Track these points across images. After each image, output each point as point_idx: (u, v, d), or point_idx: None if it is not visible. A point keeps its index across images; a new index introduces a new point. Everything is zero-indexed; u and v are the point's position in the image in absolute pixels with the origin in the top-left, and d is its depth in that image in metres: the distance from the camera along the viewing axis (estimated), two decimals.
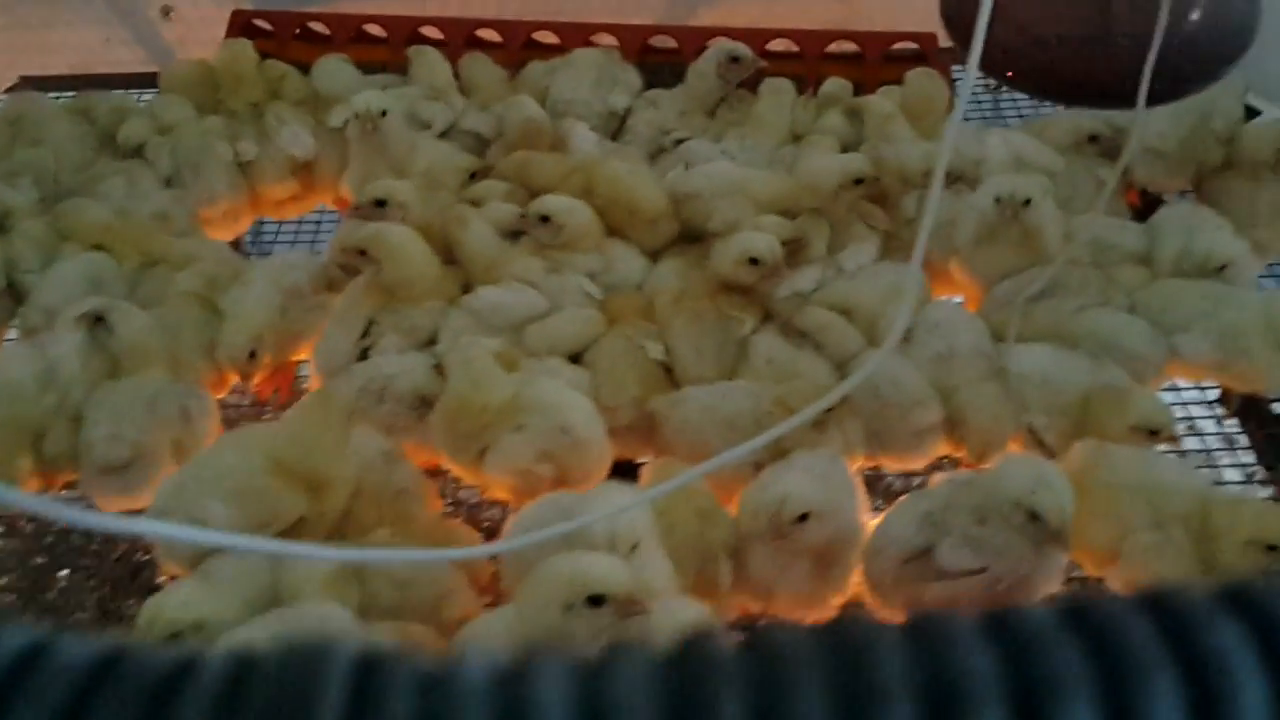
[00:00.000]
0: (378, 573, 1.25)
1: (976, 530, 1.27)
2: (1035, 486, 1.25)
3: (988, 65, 1.33)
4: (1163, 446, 1.49)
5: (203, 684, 0.29)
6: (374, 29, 2.29)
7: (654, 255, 1.83)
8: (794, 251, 1.70)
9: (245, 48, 2.16)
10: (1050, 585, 1.30)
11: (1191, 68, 1.23)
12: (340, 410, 1.44)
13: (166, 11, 2.53)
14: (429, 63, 2.16)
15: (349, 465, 1.39)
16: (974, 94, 2.41)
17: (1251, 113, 1.98)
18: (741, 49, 2.05)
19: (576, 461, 1.47)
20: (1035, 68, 1.27)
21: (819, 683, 0.29)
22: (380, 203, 1.77)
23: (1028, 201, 1.68)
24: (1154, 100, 1.20)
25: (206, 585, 1.26)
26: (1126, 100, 1.20)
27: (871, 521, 1.39)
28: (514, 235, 1.80)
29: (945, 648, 0.29)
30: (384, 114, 1.93)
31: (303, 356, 1.74)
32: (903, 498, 1.41)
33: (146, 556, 1.73)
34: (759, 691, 0.29)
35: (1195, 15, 1.19)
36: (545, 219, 1.73)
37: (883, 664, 0.29)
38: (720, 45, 2.08)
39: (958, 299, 1.82)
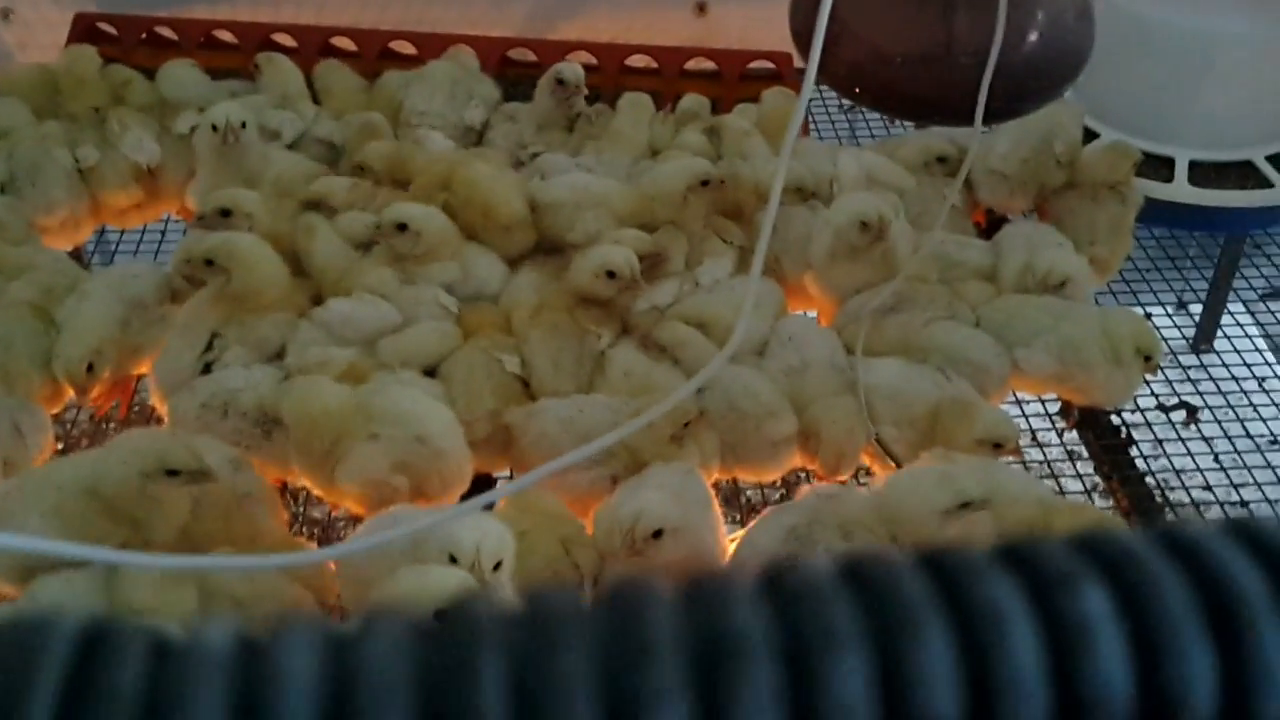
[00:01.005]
0: (218, 589, 1.21)
1: (841, 545, 1.28)
2: None
3: (835, 83, 1.36)
4: (1007, 458, 1.53)
5: None
6: (224, 35, 2.23)
7: (512, 263, 1.81)
8: (652, 266, 1.70)
9: (88, 52, 2.09)
10: None
11: (1029, 87, 1.27)
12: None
13: (5, 14, 2.42)
14: (280, 70, 2.11)
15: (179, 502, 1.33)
16: (829, 113, 2.46)
17: (1091, 136, 2.06)
18: (568, 71, 2.04)
19: (434, 472, 1.44)
20: (880, 85, 1.30)
21: (584, 642, 0.28)
22: (225, 212, 1.72)
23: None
24: (994, 118, 1.24)
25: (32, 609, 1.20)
26: (968, 118, 1.23)
27: (728, 537, 1.40)
28: (366, 247, 1.77)
29: (718, 605, 0.29)
30: (243, 126, 1.88)
31: (144, 370, 1.68)
32: (767, 511, 1.42)
33: None
34: (520, 653, 0.28)
35: (1033, 36, 1.22)
36: (402, 227, 1.69)
37: (653, 622, 0.28)
38: (551, 69, 2.07)
39: (812, 313, 1.85)
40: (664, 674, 0.27)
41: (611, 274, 1.64)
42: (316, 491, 1.49)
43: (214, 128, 1.88)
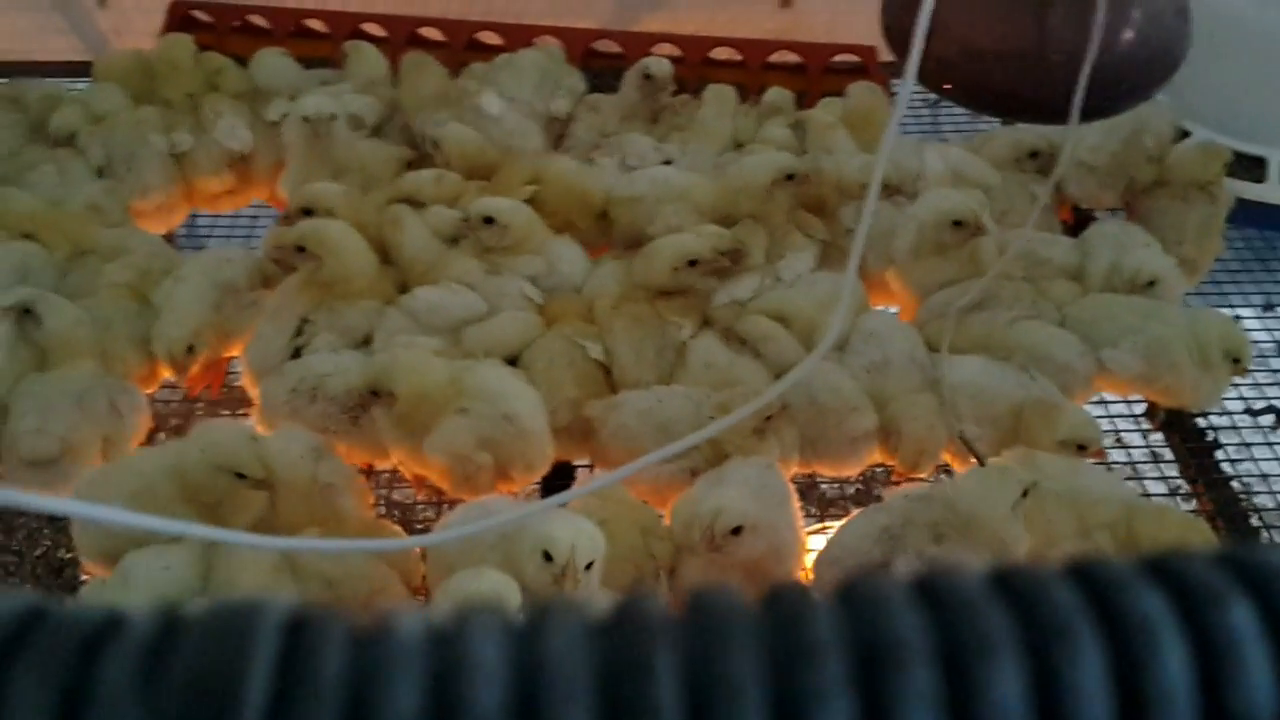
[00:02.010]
0: (307, 570, 1.24)
1: (934, 549, 1.28)
2: None
3: (925, 78, 1.35)
4: (1090, 457, 1.51)
5: (129, 641, 0.28)
6: (315, 23, 2.26)
7: (594, 255, 1.83)
8: (732, 260, 1.71)
9: (183, 40, 2.14)
10: None
11: (1123, 85, 1.25)
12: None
13: (103, 0, 2.48)
14: (365, 59, 2.14)
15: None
16: (913, 107, 2.44)
17: (1182, 134, 2.03)
18: (656, 67, 2.05)
19: (519, 451, 1.46)
20: (971, 81, 1.29)
21: (752, 641, 0.29)
22: (307, 211, 1.75)
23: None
24: (1086, 116, 1.23)
25: (123, 587, 1.24)
26: (1059, 116, 1.22)
27: (805, 534, 1.40)
28: (453, 239, 1.79)
29: (876, 610, 0.30)
30: (333, 118, 1.91)
31: (235, 353, 1.72)
32: (856, 511, 1.42)
33: (69, 555, 1.70)
34: (693, 650, 0.29)
35: (1129, 34, 1.21)
36: (489, 220, 1.72)
37: (815, 624, 0.29)
38: (639, 63, 2.08)
39: (893, 309, 1.84)
40: (828, 674, 0.28)
41: (693, 262, 1.65)
42: (402, 469, 1.52)
43: (305, 119, 1.92)
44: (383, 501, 1.62)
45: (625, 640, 0.29)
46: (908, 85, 1.01)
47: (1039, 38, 1.22)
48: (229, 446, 1.34)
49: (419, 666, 0.28)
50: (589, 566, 1.17)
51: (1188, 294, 1.91)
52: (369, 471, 1.64)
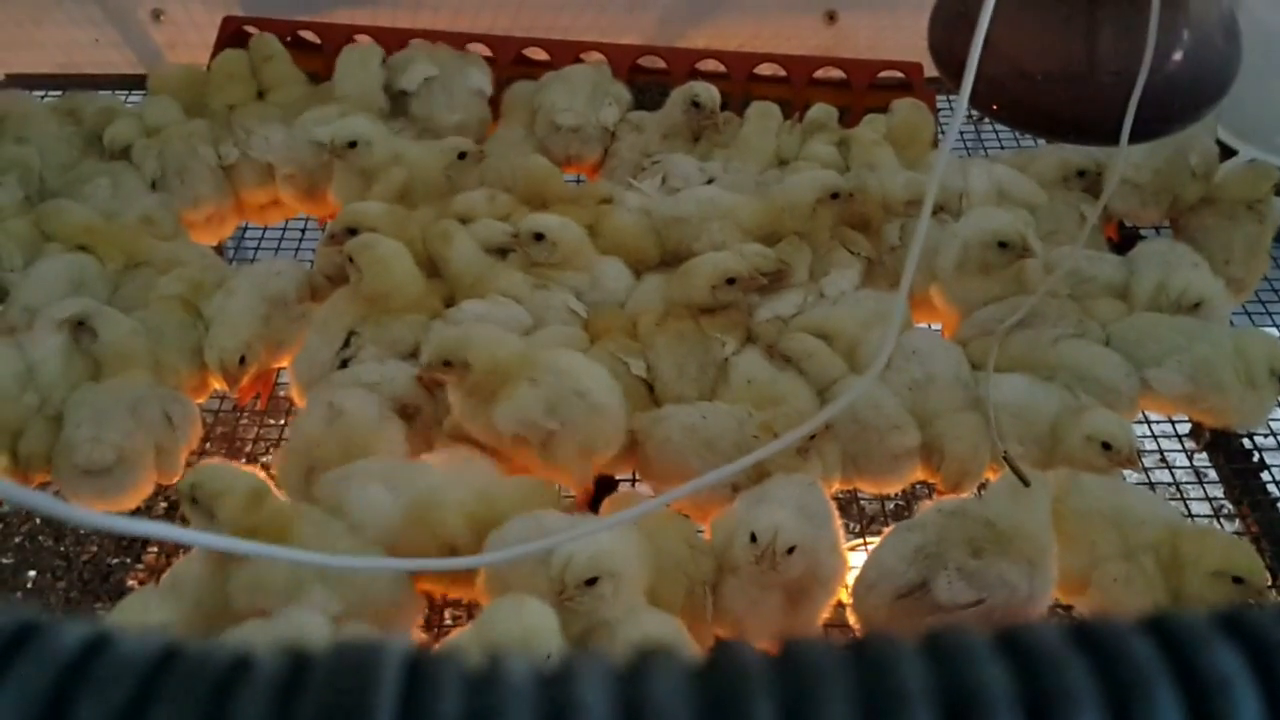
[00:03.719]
0: (331, 580, 1.25)
1: (973, 563, 1.28)
2: None
3: (974, 98, 1.35)
4: (1133, 477, 1.51)
5: (260, 680, 0.30)
6: (364, 39, 2.29)
7: (639, 272, 1.84)
8: (775, 279, 1.71)
9: (236, 55, 2.18)
10: (1039, 611, 1.31)
11: (1173, 107, 1.25)
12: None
13: (156, 15, 2.52)
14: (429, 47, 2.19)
15: None
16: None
17: (1226, 150, 2.01)
18: (705, 95, 2.06)
19: (592, 427, 1.48)
20: (1020, 101, 1.29)
21: (844, 690, 0.30)
22: (351, 231, 1.77)
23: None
24: (1136, 138, 1.23)
25: (170, 593, 1.27)
26: (1108, 136, 1.22)
27: (846, 549, 1.40)
28: (501, 253, 1.81)
29: (961, 660, 0.31)
30: (352, 145, 1.94)
31: (282, 364, 1.74)
32: (889, 529, 1.42)
33: (116, 560, 1.72)
34: (788, 698, 0.30)
35: (1178, 56, 1.21)
36: (539, 236, 1.74)
37: (903, 673, 0.30)
38: (685, 88, 2.09)
39: (936, 326, 1.84)
40: None
41: (732, 280, 1.66)
42: (480, 438, 1.53)
43: (323, 144, 1.97)
44: None
45: (725, 685, 0.30)
46: (960, 108, 1.01)
47: (1089, 59, 1.23)
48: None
49: (530, 708, 0.29)
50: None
51: (1234, 313, 1.90)
52: None
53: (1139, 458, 1.51)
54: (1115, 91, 1.20)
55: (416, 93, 2.13)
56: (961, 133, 2.42)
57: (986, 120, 2.37)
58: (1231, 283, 1.81)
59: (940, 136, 2.11)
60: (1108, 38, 1.21)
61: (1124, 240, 1.94)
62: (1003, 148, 2.31)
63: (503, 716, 0.29)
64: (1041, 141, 2.14)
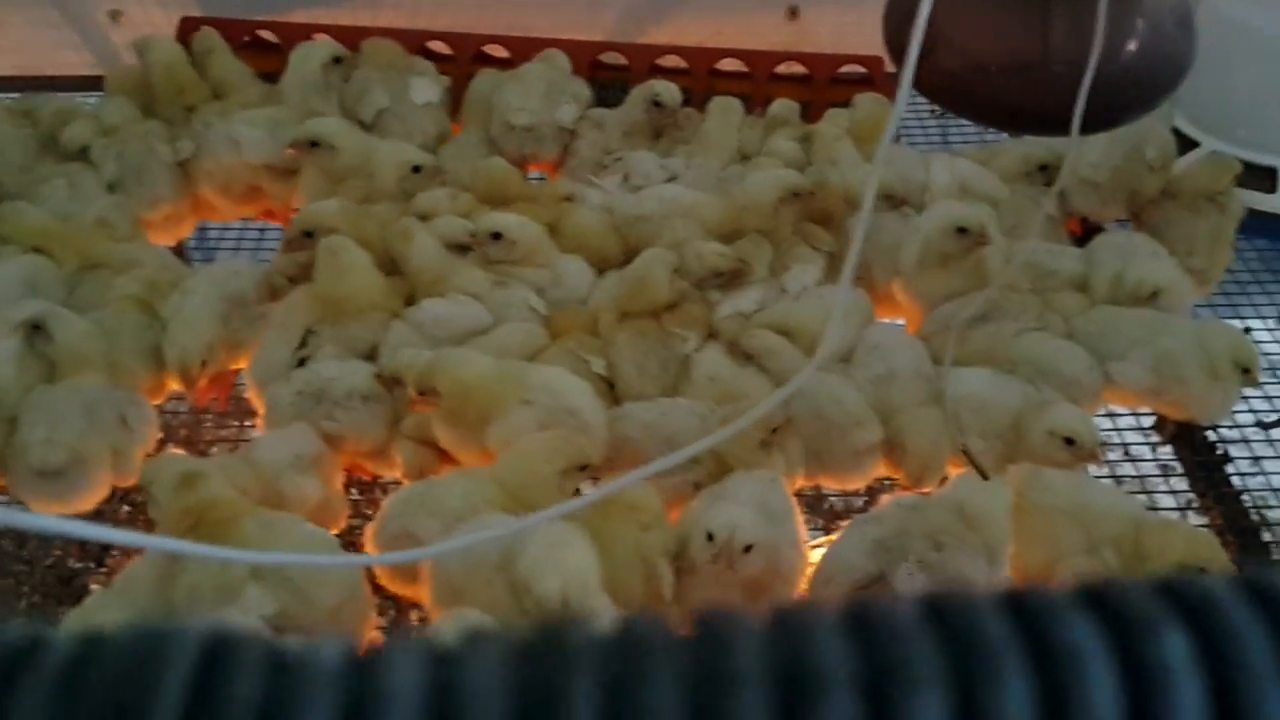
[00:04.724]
0: (273, 578, 1.24)
1: (934, 556, 1.28)
2: None
3: (929, 91, 1.35)
4: (1097, 471, 1.50)
5: (47, 664, 0.28)
6: (323, 38, 2.27)
7: (601, 270, 1.83)
8: (735, 274, 1.71)
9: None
10: None
11: (1128, 97, 1.24)
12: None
13: (114, 15, 2.50)
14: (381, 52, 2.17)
15: None
16: (921, 120, 2.44)
17: (1187, 142, 2.02)
18: (666, 94, 2.05)
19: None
20: (975, 94, 1.28)
21: (673, 671, 0.29)
22: (308, 234, 1.75)
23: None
24: (1091, 128, 1.22)
25: (120, 596, 1.25)
26: (1063, 128, 1.21)
27: (809, 547, 1.40)
28: (461, 249, 1.80)
29: (802, 638, 0.29)
30: (314, 145, 1.93)
31: (241, 365, 1.72)
32: (847, 524, 1.41)
33: (79, 564, 1.70)
34: (611, 678, 0.29)
35: (1132, 46, 1.20)
36: (497, 236, 1.73)
37: (738, 652, 0.29)
38: (646, 86, 2.08)
39: (900, 321, 1.84)
40: (749, 705, 0.28)
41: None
42: (465, 460, 1.52)
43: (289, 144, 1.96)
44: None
45: (545, 666, 0.29)
46: (902, 97, 1.00)
47: (1042, 50, 1.22)
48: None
49: (334, 694, 0.27)
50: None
51: (1200, 306, 1.90)
52: (373, 484, 1.64)
53: (1102, 452, 1.50)
54: (1069, 82, 1.20)
55: (373, 124, 2.11)
56: (925, 128, 2.42)
57: (949, 115, 2.37)
58: (1195, 274, 1.81)
59: (898, 130, 2.10)
60: (1060, 29, 1.20)
61: (1086, 235, 1.94)
62: (967, 143, 2.31)
63: (301, 703, 0.28)
64: (1006, 136, 2.14)
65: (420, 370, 1.50)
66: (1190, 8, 1.29)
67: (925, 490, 1.52)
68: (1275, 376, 1.91)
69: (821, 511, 1.82)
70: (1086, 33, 1.16)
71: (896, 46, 1.35)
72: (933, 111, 2.43)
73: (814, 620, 0.30)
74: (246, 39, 2.31)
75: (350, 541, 1.51)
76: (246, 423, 1.74)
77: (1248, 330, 1.90)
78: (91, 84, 2.37)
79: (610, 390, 1.62)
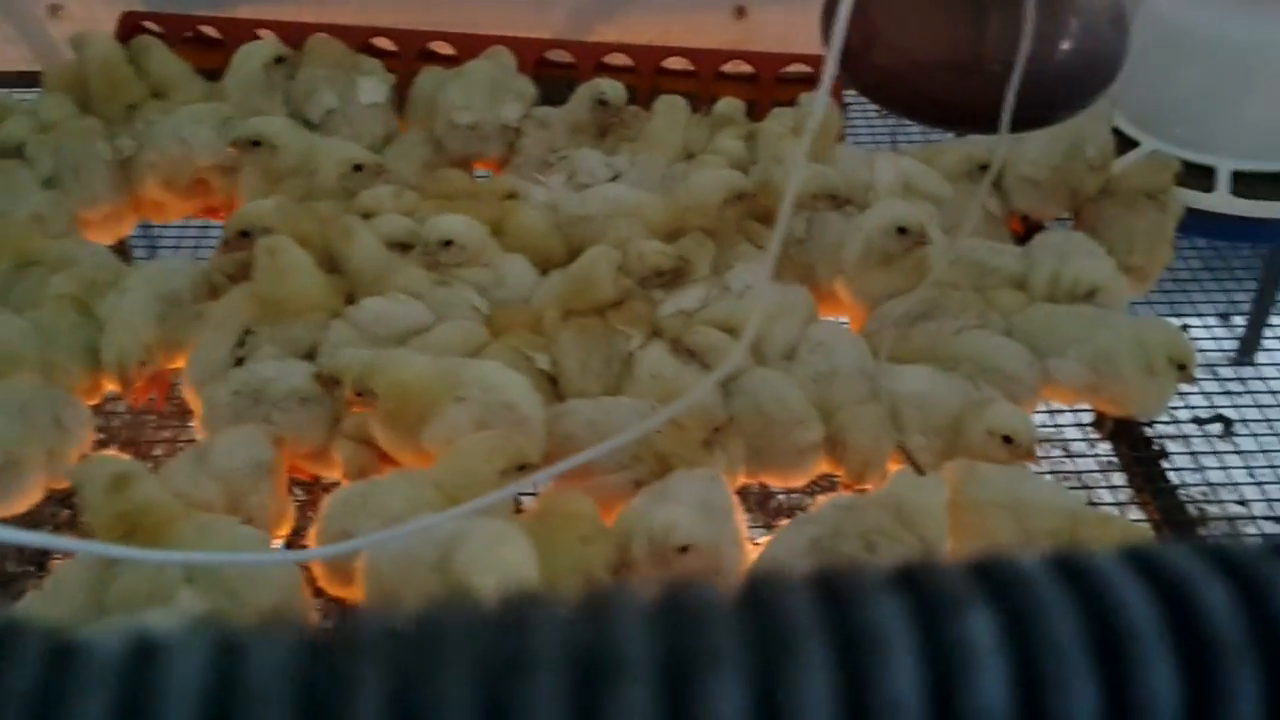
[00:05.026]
0: (208, 579, 1.22)
1: (866, 557, 1.28)
2: None
3: (867, 89, 1.36)
4: (1037, 467, 1.51)
5: None
6: (267, 34, 2.25)
7: (544, 270, 1.82)
8: (678, 273, 1.71)
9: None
10: None
11: (1061, 95, 1.25)
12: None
13: (54, 10, 2.46)
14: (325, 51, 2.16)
15: None
16: (870, 121, 2.45)
17: (1125, 140, 2.04)
18: (611, 92, 2.05)
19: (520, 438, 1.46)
20: (911, 93, 1.29)
21: (465, 658, 0.28)
22: (244, 234, 1.73)
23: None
24: (1026, 126, 1.23)
25: (52, 598, 1.23)
26: (998, 126, 1.22)
27: (752, 545, 1.40)
28: (403, 247, 1.79)
29: (606, 622, 0.29)
30: (256, 144, 1.91)
31: (179, 365, 1.70)
32: (785, 523, 1.41)
33: (18, 569, 1.67)
34: (403, 668, 0.28)
35: (1064, 44, 1.21)
36: (448, 243, 1.72)
37: (535, 637, 0.29)
38: (591, 84, 2.08)
39: (843, 320, 1.84)
40: (541, 690, 0.28)
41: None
42: (404, 461, 1.51)
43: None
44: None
45: (332, 657, 0.28)
46: (822, 95, 1.01)
47: (977, 49, 1.22)
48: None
49: (112, 686, 0.27)
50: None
51: (1140, 304, 1.92)
52: (314, 483, 1.63)
53: (1037, 451, 1.51)
54: (1004, 81, 1.20)
55: (321, 124, 2.08)
56: (873, 128, 2.44)
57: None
58: (1134, 272, 1.83)
59: (844, 131, 2.11)
60: (995, 27, 1.20)
61: (1028, 234, 1.95)
62: (912, 143, 2.32)
63: (76, 695, 0.27)
64: (949, 135, 2.16)
65: (357, 372, 1.48)
66: (1124, 7, 1.30)
67: (867, 487, 1.53)
68: (1212, 374, 1.94)
69: (769, 510, 1.82)
70: (1022, 32, 1.17)
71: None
72: (882, 112, 2.44)
73: (618, 604, 0.30)
74: (189, 34, 2.29)
75: (302, 546, 1.50)
76: (186, 423, 1.72)
77: (1185, 328, 1.92)
78: (29, 80, 2.34)
79: (553, 387, 1.61)
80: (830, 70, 0.99)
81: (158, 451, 1.76)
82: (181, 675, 0.27)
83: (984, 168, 1.93)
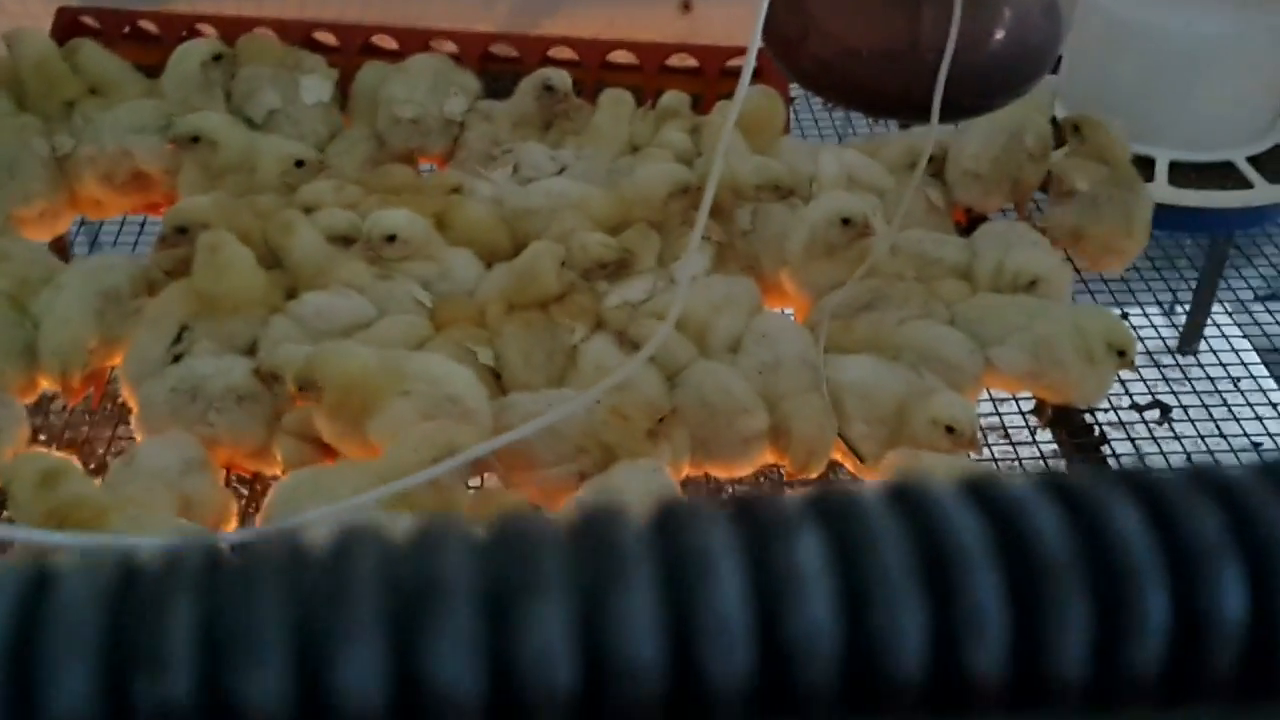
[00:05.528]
0: None
1: None
2: None
3: (804, 78, 1.37)
4: (975, 456, 1.52)
5: None
6: (207, 28, 2.22)
7: (489, 263, 1.82)
8: (622, 265, 1.71)
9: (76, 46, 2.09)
10: None
11: (994, 82, 1.27)
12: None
13: None
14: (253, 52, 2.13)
15: None
16: (815, 115, 2.47)
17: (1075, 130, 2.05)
18: (558, 79, 2.05)
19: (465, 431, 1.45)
20: (847, 81, 1.30)
21: (278, 587, 0.28)
22: (181, 230, 1.71)
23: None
24: (961, 114, 1.25)
25: None
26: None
27: None
28: (345, 241, 1.77)
29: (425, 553, 0.29)
30: (196, 140, 1.90)
31: (116, 363, 1.68)
32: None
33: None
34: (214, 598, 0.28)
35: (997, 33, 1.22)
36: (392, 238, 1.71)
37: (353, 567, 0.29)
38: (537, 73, 2.07)
39: (789, 311, 1.85)
40: (354, 617, 0.28)
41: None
42: (349, 454, 1.50)
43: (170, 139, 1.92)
44: None
45: (146, 588, 0.28)
46: (745, 77, 1.01)
47: (911, 37, 1.23)
48: None
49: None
50: None
51: (1082, 294, 1.94)
52: (253, 480, 1.62)
53: (980, 441, 1.53)
54: (938, 69, 1.21)
55: (264, 124, 2.06)
56: (818, 122, 2.45)
57: (844, 109, 2.40)
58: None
59: (789, 123, 2.12)
60: (929, 15, 1.22)
61: (971, 225, 1.97)
62: (857, 136, 2.34)
63: None
64: (894, 126, 2.17)
65: (300, 366, 1.46)
66: None
67: (811, 477, 1.54)
68: (1152, 362, 1.97)
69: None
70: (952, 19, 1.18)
71: (774, 38, 1.36)
72: (828, 105, 2.45)
73: (443, 534, 0.30)
74: (126, 30, 2.26)
75: None
76: (124, 421, 1.70)
77: (1126, 317, 1.94)
78: None
79: (497, 381, 1.60)
80: (752, 51, 0.99)
81: (99, 449, 1.73)
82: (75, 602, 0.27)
83: (930, 159, 1.94)
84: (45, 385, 1.65)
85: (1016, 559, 0.29)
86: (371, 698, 0.27)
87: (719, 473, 1.61)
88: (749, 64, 0.99)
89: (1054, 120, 1.99)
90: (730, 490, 1.66)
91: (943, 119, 1.22)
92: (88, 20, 2.25)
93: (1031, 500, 0.30)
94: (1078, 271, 1.93)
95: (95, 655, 0.27)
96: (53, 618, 0.27)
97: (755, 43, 1.03)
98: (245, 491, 1.65)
